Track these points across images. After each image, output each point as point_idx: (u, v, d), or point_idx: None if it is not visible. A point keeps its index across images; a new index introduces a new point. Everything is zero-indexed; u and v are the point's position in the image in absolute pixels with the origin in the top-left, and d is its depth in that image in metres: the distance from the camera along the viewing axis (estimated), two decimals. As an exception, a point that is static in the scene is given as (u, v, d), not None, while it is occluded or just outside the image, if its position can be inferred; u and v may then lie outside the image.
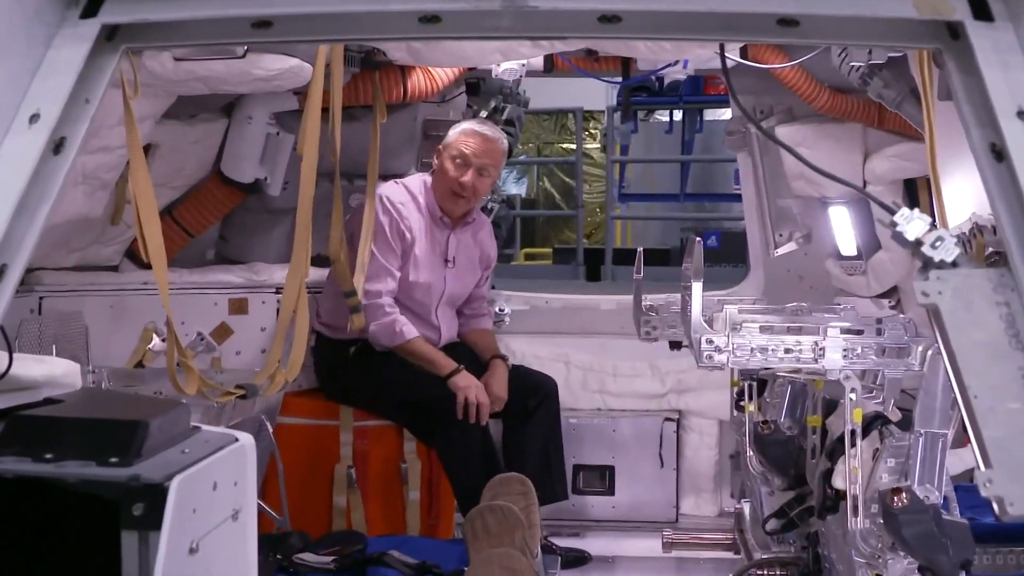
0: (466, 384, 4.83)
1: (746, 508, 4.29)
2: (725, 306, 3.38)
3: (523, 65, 4.99)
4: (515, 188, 16.09)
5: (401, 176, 5.40)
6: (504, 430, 5.08)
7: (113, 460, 1.81)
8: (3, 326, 2.05)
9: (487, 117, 5.55)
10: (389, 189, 4.98)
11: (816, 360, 3.16)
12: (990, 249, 2.00)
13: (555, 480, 5.02)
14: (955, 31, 2.17)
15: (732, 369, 4.13)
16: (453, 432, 4.77)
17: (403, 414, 4.99)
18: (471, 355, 5.17)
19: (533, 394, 5.06)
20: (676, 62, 4.90)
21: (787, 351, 3.16)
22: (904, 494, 2.87)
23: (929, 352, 3.07)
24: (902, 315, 4.00)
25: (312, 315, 5.04)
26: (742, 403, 4.00)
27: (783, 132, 5.02)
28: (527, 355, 5.62)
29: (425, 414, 4.88)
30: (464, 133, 4.97)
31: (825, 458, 3.41)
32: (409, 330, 4.89)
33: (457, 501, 4.90)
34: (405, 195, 5.01)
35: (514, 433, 5.05)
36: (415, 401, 4.90)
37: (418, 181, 5.09)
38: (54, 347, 4.45)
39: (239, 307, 5.13)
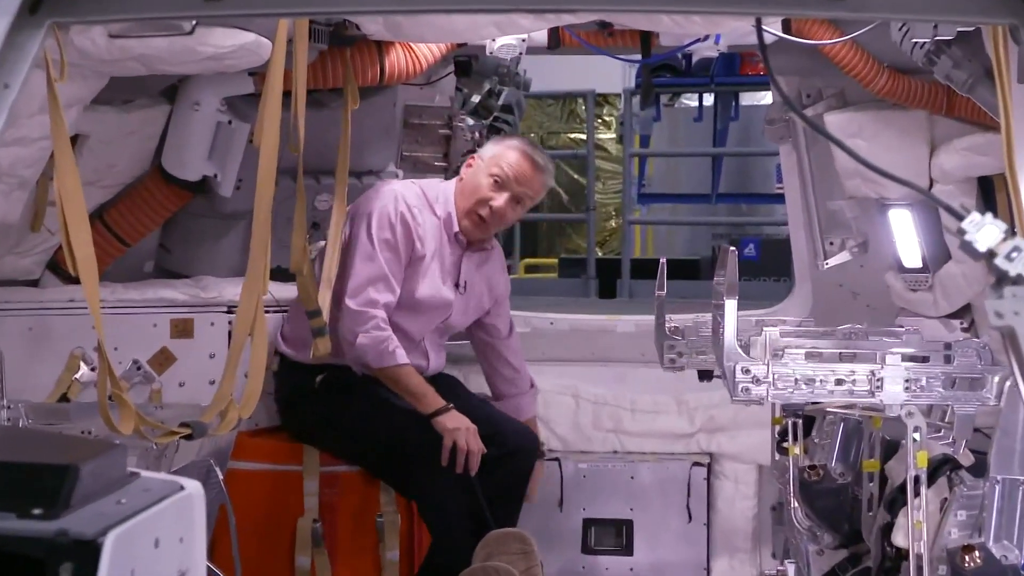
0: (455, 425, 4.83)
1: (790, 570, 4.30)
2: (765, 328, 3.41)
3: (523, 41, 5.02)
4: (514, 187, 16.12)
5: (376, 174, 5.43)
6: None
7: (37, 512, 1.82)
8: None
9: (480, 102, 5.57)
10: (404, 188, 5.05)
11: (873, 393, 3.19)
12: (1079, 261, 2.01)
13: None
14: (1035, 2, 2.19)
15: (773, 404, 4.16)
16: (435, 481, 4.78)
17: (376, 459, 5.00)
18: (460, 391, 5.20)
19: (499, 444, 5.00)
20: (706, 37, 4.93)
21: (838, 382, 3.20)
22: (977, 553, 2.89)
23: (1007, 384, 3.10)
24: (976, 339, 4.02)
25: (275, 333, 5.08)
26: (785, 444, 4.03)
27: (833, 121, 5.04)
28: (528, 387, 5.63)
29: (402, 459, 4.89)
30: (513, 149, 5.03)
31: (884, 510, 3.43)
32: (401, 353, 4.91)
33: (442, 563, 4.90)
34: (421, 199, 5.06)
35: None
36: (390, 444, 4.91)
37: (438, 187, 5.15)
38: (-39, 378, 4.46)
39: (183, 329, 5.15)
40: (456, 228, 5.06)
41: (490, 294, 5.28)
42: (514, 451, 5.06)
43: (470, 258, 5.15)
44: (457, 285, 5.11)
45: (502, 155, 5.02)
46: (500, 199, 4.99)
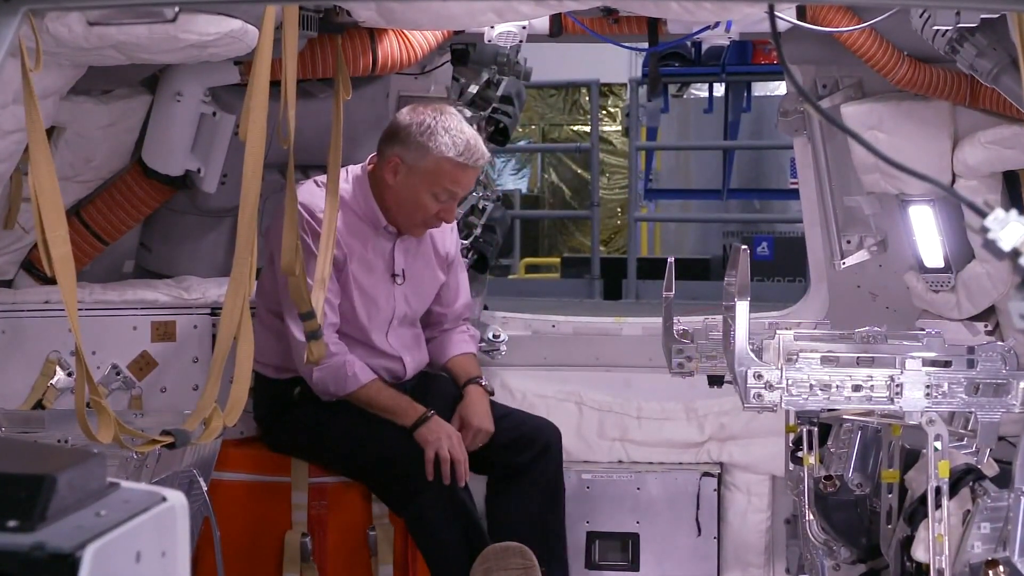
0: (436, 435, 4.79)
1: (805, 586, 4.32)
2: (778, 331, 3.41)
3: (524, 28, 5.02)
4: (514, 182, 16.15)
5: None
6: (488, 493, 5.08)
7: (11, 524, 1.82)
8: None
9: (478, 92, 5.57)
10: (309, 195, 4.83)
11: (892, 399, 3.20)
12: (1108, 261, 2.02)
13: (552, 553, 4.99)
14: (1062, -12, 2.20)
15: (787, 411, 4.17)
16: (424, 497, 4.76)
17: (364, 474, 4.99)
18: (452, 389, 5.16)
19: (527, 446, 5.03)
20: (717, 24, 4.94)
21: (856, 388, 3.20)
22: (1002, 568, 2.90)
23: (1033, 389, 3.11)
24: (1001, 343, 4.03)
25: None
26: (800, 454, 4.03)
27: (851, 112, 5.05)
28: (528, 394, 5.64)
29: (388, 476, 4.88)
30: (453, 165, 4.83)
31: (904, 523, 3.44)
32: (364, 372, 4.88)
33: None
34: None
35: (500, 497, 5.01)
36: (376, 460, 4.89)
37: (347, 178, 4.97)
38: (-68, 383, 4.48)
39: (165, 332, 5.15)
40: (384, 222, 4.96)
41: (442, 263, 5.18)
42: (543, 449, 5.05)
43: (403, 243, 5.05)
44: (394, 276, 5.03)
45: (439, 171, 4.84)
46: (450, 211, 4.93)
